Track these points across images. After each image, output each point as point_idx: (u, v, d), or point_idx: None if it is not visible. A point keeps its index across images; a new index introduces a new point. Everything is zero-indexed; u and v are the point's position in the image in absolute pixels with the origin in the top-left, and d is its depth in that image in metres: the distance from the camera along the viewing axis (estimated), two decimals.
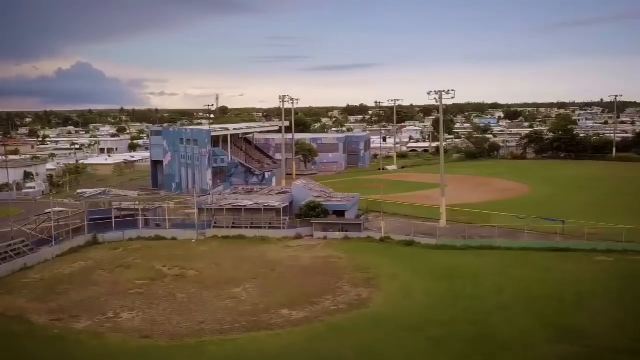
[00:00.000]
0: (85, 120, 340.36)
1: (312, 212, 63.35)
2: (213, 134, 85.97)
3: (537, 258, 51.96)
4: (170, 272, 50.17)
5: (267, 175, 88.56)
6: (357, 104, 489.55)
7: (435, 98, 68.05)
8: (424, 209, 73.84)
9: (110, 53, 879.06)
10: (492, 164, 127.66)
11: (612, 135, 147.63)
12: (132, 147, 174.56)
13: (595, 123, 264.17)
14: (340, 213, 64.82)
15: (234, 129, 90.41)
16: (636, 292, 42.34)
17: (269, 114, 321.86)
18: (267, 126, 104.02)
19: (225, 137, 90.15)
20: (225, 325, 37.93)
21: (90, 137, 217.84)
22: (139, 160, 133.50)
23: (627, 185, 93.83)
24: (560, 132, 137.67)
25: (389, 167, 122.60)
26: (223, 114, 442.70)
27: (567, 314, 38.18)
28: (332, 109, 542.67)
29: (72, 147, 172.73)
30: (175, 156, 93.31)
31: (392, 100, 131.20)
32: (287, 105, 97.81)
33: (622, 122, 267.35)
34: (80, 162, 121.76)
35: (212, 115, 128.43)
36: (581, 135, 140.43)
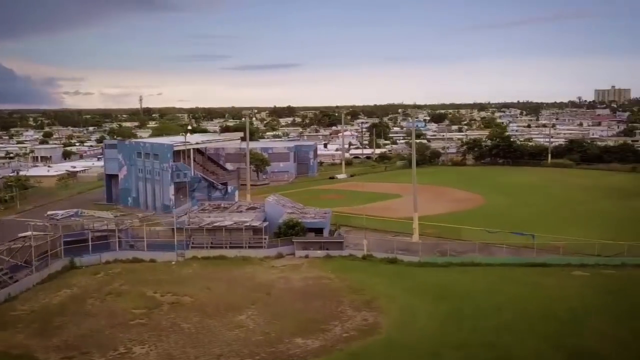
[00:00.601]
0: (5, 124, 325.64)
1: (291, 231, 63.64)
2: (176, 148, 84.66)
3: (519, 274, 54.29)
4: (164, 299, 49.35)
5: (229, 189, 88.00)
6: (281, 104, 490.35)
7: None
8: (392, 222, 75.58)
9: (21, 50, 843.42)
10: (436, 171, 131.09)
11: (540, 140, 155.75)
12: (66, 155, 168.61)
13: (519, 126, 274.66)
14: (318, 231, 65.44)
15: (197, 143, 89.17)
16: (626, 308, 45.01)
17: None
18: (229, 139, 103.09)
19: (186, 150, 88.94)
20: (244, 357, 37.90)
21: (17, 144, 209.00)
22: (82, 170, 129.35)
23: (575, 193, 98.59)
24: (497, 140, 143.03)
25: (339, 176, 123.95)
26: (147, 115, 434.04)
27: (571, 334, 40.18)
28: (259, 109, 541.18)
29: (6, 156, 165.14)
30: (132, 170, 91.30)
31: (336, 107, 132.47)
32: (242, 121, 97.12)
33: (544, 125, 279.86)
34: (22, 173, 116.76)
35: (189, 128, 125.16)
36: (514, 140, 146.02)
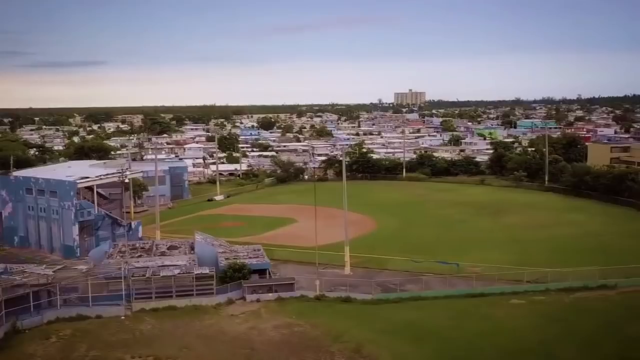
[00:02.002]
0: None
1: (238, 274, 63.28)
2: (80, 185, 79.20)
3: (468, 307, 59.11)
4: None
5: (133, 224, 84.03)
6: (86, 104, 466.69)
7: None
8: (311, 253, 77.13)
9: None
10: (307, 189, 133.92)
11: (381, 151, 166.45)
12: None
13: (349, 134, 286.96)
14: (261, 272, 65.68)
15: (100, 178, 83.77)
16: (583, 336, 51.41)
17: None
18: (133, 172, 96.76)
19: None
20: None
21: None
22: None
23: (450, 211, 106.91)
24: (357, 156, 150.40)
25: (216, 198, 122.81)
26: None
27: None
28: (70, 110, 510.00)
29: None
30: (19, 207, 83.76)
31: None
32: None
33: (370, 133, 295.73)
34: None
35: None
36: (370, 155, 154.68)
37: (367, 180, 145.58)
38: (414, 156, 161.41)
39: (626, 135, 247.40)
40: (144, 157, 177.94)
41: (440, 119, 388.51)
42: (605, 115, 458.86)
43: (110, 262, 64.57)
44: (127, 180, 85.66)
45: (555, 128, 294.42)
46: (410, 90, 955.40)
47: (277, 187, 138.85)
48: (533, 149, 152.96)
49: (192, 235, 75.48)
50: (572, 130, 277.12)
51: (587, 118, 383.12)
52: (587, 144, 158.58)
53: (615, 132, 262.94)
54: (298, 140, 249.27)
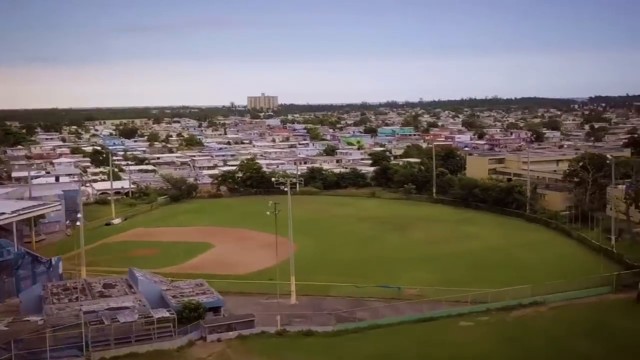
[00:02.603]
0: None
1: (194, 314, 61.64)
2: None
3: (425, 332, 61.61)
4: None
5: (53, 260, 78.31)
6: None
7: None
8: (245, 283, 76.57)
9: None
10: (203, 208, 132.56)
11: (273, 167, 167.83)
12: None
13: (220, 143, 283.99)
14: (216, 310, 64.37)
15: (17, 213, 77.06)
16: (540, 354, 55.87)
17: None
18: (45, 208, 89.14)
19: None
20: None
21: None
22: None
23: (358, 227, 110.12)
24: (251, 171, 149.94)
25: (114, 221, 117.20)
26: None
27: None
28: None
29: None
30: None
31: None
32: None
33: (242, 142, 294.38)
34: None
35: None
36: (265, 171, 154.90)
37: (263, 196, 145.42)
38: (302, 169, 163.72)
39: (481, 142, 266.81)
40: (11, 175, 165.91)
41: (303, 126, 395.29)
42: (452, 120, 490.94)
43: (63, 309, 60.43)
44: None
45: (415, 135, 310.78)
46: (263, 94, 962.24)
47: (172, 206, 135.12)
48: (419, 160, 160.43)
49: (123, 270, 72.32)
50: (431, 137, 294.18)
51: (440, 124, 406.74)
52: (465, 155, 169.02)
53: (471, 139, 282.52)
54: (170, 151, 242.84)
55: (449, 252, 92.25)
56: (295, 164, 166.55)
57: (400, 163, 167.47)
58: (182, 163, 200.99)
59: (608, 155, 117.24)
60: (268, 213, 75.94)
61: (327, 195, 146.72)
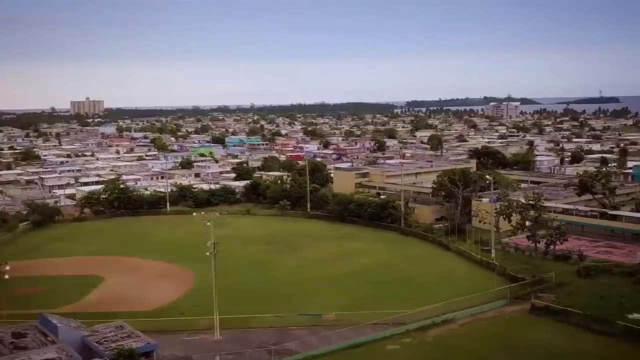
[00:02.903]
0: None
1: None
2: None
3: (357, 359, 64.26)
4: None
5: None
6: None
7: None
8: (162, 321, 74.02)
9: None
10: (73, 234, 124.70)
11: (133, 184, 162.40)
12: None
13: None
14: (147, 354, 61.80)
15: None
16: None
17: None
18: None
19: None
20: None
21: None
22: None
23: (248, 249, 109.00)
24: (117, 192, 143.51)
25: None
26: None
27: None
28: None
29: None
30: None
31: None
32: None
33: (84, 155, 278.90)
34: None
35: None
36: (134, 191, 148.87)
37: (132, 217, 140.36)
38: (164, 184, 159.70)
39: (329, 151, 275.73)
40: None
41: (143, 135, 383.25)
42: (290, 127, 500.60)
43: None
44: None
45: (264, 145, 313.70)
46: (88, 98, 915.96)
47: (36, 233, 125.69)
48: (288, 174, 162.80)
49: (18, 314, 66.94)
50: (280, 147, 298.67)
51: (284, 132, 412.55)
52: (331, 170, 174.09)
53: (318, 148, 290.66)
54: (9, 167, 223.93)
55: (345, 271, 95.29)
56: (166, 181, 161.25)
57: (269, 178, 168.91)
58: (28, 182, 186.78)
59: (472, 171, 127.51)
60: (207, 253, 73.38)
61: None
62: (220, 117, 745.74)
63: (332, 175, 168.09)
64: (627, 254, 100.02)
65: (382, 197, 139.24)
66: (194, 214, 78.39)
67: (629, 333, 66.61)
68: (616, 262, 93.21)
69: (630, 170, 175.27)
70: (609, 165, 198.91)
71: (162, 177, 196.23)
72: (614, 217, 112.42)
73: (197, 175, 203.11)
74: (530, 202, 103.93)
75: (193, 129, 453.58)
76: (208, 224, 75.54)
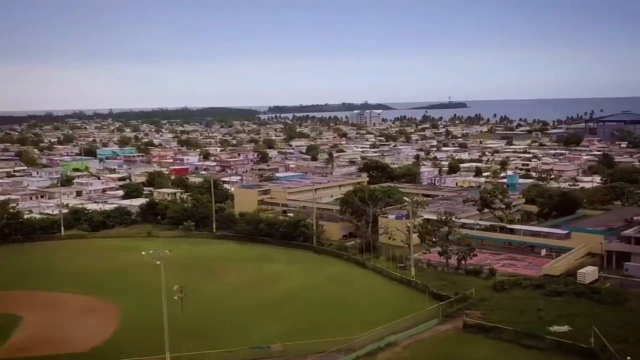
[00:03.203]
0: None
1: None
2: None
3: None
4: None
5: None
6: None
7: None
8: None
9: None
10: None
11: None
12: None
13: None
14: None
15: None
16: None
17: None
18: None
19: None
20: None
21: None
22: None
23: (169, 276, 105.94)
24: (6, 217, 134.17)
25: None
26: None
27: None
28: None
29: None
30: None
31: None
32: None
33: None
34: None
35: None
36: (25, 215, 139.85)
37: (26, 243, 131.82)
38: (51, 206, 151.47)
39: (211, 164, 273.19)
40: None
41: (2, 146, 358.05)
42: (158, 135, 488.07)
43: None
44: None
45: (140, 156, 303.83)
46: None
47: None
48: (185, 192, 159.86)
49: None
50: (157, 159, 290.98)
51: (157, 142, 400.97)
52: (232, 188, 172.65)
53: (199, 160, 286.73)
54: None
55: (273, 296, 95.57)
56: (59, 201, 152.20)
57: (164, 196, 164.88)
58: None
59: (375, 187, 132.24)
60: (176, 298, 71.28)
61: (99, 237, 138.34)
62: (79, 124, 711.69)
63: (231, 192, 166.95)
64: (528, 266, 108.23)
65: (289, 214, 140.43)
66: (143, 252, 74.46)
67: (558, 347, 72.76)
68: (525, 275, 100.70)
69: (505, 180, 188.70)
70: (483, 174, 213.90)
71: (42, 197, 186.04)
72: (512, 231, 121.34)
73: (78, 193, 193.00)
74: (442, 218, 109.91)
75: (55, 139, 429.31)
76: (158, 262, 72.98)
